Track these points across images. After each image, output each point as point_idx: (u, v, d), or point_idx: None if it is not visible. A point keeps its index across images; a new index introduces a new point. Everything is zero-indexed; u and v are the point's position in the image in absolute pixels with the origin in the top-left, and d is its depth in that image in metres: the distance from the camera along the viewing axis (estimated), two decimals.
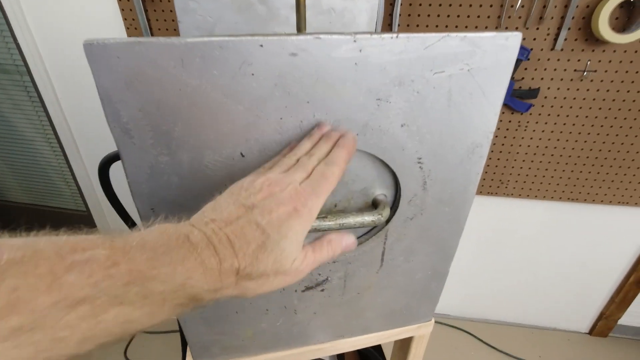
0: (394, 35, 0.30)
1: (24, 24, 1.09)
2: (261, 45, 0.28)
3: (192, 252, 0.22)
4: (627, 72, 0.95)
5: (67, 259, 0.18)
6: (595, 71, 0.96)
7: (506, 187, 1.19)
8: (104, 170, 0.49)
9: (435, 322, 1.58)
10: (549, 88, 1.00)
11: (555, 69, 0.97)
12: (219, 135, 0.32)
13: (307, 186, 0.27)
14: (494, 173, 1.17)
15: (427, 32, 0.31)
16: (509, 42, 0.33)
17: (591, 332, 1.53)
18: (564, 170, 1.14)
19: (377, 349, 0.80)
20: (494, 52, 0.33)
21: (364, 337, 0.57)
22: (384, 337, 0.58)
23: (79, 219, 1.77)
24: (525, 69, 0.97)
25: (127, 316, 0.19)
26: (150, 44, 0.27)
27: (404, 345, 0.65)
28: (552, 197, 1.19)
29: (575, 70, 0.96)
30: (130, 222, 0.58)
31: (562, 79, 0.98)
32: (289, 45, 0.29)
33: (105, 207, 1.51)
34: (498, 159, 1.14)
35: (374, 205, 0.42)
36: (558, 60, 0.95)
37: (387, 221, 0.43)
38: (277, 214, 0.25)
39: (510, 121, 1.06)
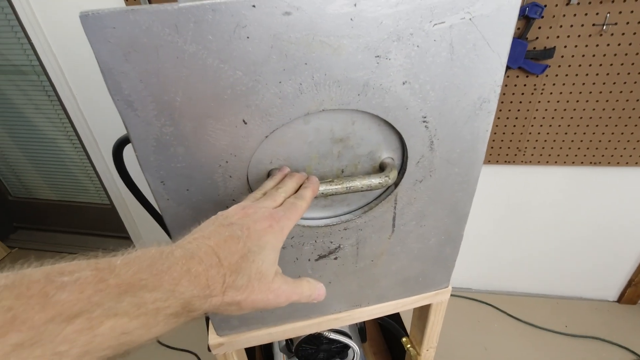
0: None
1: (34, 21, 1.11)
2: (253, 6, 0.28)
3: (178, 262, 0.23)
4: None
5: (56, 281, 0.19)
6: (616, 24, 0.90)
7: (524, 155, 1.16)
8: (117, 153, 0.50)
9: (458, 296, 1.58)
10: (565, 46, 0.95)
11: (571, 25, 0.92)
12: (219, 102, 0.32)
13: (280, 210, 0.31)
14: (510, 141, 1.14)
15: None
16: None
17: (620, 299, 1.49)
18: (584, 133, 1.09)
19: (396, 318, 0.81)
20: None
21: (380, 305, 0.57)
22: (401, 305, 0.58)
23: (103, 213, 1.84)
24: (539, 27, 0.93)
25: (123, 328, 0.20)
26: (144, 12, 0.27)
27: (422, 314, 0.65)
28: (573, 162, 1.15)
29: (593, 24, 0.91)
30: (150, 208, 0.60)
31: (579, 36, 0.93)
32: (282, 3, 0.29)
33: (128, 199, 1.55)
34: (514, 126, 1.10)
35: (382, 168, 0.41)
36: (574, 15, 0.90)
37: (396, 185, 0.43)
38: (254, 229, 0.28)
39: (525, 85, 1.02)
